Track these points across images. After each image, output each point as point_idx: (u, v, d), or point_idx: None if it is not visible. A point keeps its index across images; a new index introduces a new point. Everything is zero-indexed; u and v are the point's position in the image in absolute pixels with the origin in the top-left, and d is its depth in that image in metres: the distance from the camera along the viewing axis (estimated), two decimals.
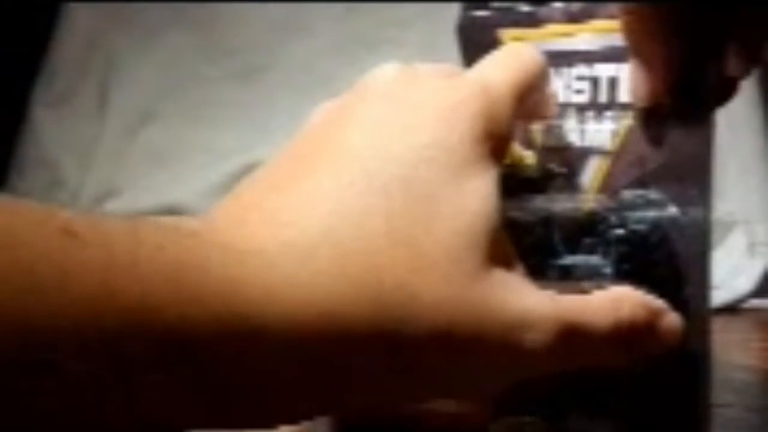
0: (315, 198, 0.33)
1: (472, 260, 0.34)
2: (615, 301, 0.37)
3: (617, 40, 0.41)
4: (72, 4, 1.30)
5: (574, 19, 0.43)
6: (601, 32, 0.43)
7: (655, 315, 0.38)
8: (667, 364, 0.39)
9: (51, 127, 1.25)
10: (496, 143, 0.36)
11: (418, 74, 0.37)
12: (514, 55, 0.39)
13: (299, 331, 0.31)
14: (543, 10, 0.43)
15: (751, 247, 1.10)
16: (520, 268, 0.36)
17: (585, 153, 0.43)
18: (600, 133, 0.42)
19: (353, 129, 0.35)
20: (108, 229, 0.29)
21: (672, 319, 0.38)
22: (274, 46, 1.22)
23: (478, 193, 0.35)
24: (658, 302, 0.38)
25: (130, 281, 0.28)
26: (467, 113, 0.35)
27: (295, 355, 0.31)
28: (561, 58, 0.43)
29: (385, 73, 0.37)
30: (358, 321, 0.32)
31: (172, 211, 1.16)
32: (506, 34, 0.44)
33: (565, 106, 0.43)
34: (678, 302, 0.39)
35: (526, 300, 0.35)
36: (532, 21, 0.43)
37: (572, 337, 0.36)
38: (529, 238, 0.42)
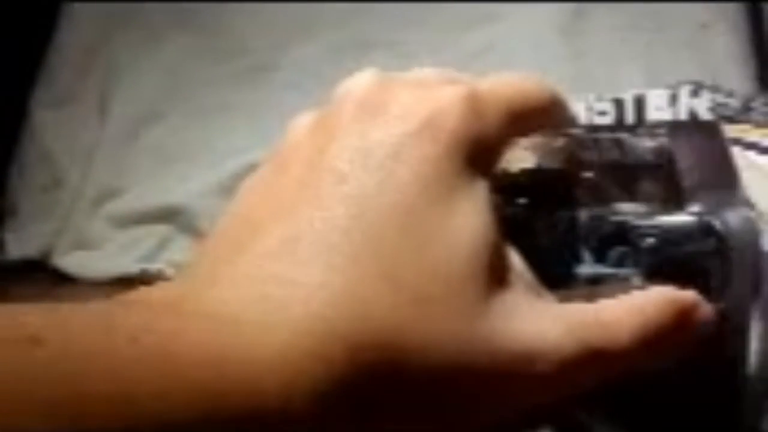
0: (298, 246, 0.31)
1: (473, 290, 0.31)
2: (639, 308, 0.35)
3: None
4: (72, 4, 1.30)
5: None
6: None
7: (685, 311, 0.35)
8: (704, 375, 0.39)
9: (51, 127, 1.25)
10: (481, 156, 0.33)
11: (394, 85, 0.34)
12: (516, 77, 0.36)
13: (301, 404, 0.29)
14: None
15: None
16: (524, 288, 0.34)
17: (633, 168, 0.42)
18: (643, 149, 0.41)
19: (329, 161, 0.32)
20: (78, 329, 0.28)
21: (704, 311, 0.36)
22: (278, 48, 1.22)
23: (467, 214, 0.32)
24: (687, 294, 0.36)
25: (105, 379, 0.27)
26: (446, 124, 0.33)
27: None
28: None
29: (359, 86, 0.34)
30: (354, 377, 0.29)
31: (172, 211, 1.16)
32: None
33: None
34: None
35: (535, 326, 0.33)
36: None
37: (593, 357, 0.33)
38: (554, 247, 0.41)
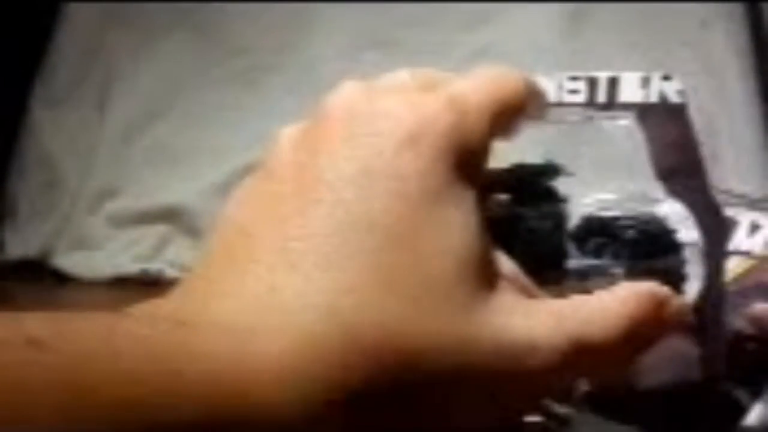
0: (292, 256, 0.31)
1: (462, 294, 0.32)
2: (622, 301, 0.36)
3: None
4: (72, 4, 1.30)
5: None
6: None
7: (661, 304, 0.36)
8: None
9: (51, 127, 1.25)
10: (468, 161, 0.34)
11: (378, 96, 0.34)
12: (492, 73, 0.37)
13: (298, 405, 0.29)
14: None
15: None
16: (513, 288, 0.34)
17: None
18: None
19: (318, 174, 0.33)
20: (79, 335, 0.28)
21: (678, 304, 0.37)
22: (277, 48, 1.22)
23: (457, 223, 0.33)
24: (662, 289, 0.37)
25: (105, 384, 0.27)
26: (432, 134, 0.33)
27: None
28: None
29: (344, 99, 0.35)
30: (352, 383, 0.30)
31: (172, 211, 1.16)
32: None
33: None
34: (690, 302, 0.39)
35: (526, 323, 0.34)
36: None
37: (581, 351, 0.34)
38: (537, 241, 0.42)
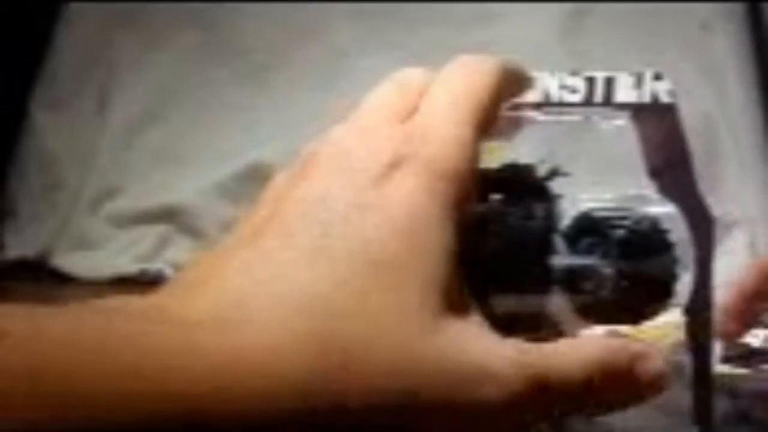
0: (259, 267, 0.33)
1: (423, 317, 0.33)
2: (592, 346, 0.36)
3: None
4: (72, 5, 1.30)
5: None
6: None
7: (634, 359, 0.36)
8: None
9: (51, 127, 1.25)
10: (450, 187, 0.35)
11: (362, 132, 0.36)
12: (466, 75, 0.38)
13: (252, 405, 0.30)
14: None
15: (752, 247, 1.10)
16: (479, 320, 0.35)
17: None
18: None
19: (299, 199, 0.35)
20: (45, 325, 0.29)
21: (652, 364, 0.37)
22: (281, 47, 1.22)
23: (429, 253, 0.34)
24: (636, 346, 0.37)
25: (66, 377, 0.28)
26: (409, 167, 0.35)
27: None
28: None
29: (330, 141, 0.36)
30: (307, 395, 0.31)
31: (171, 211, 1.16)
32: None
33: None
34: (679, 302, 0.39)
35: (483, 351, 0.34)
36: None
37: (539, 390, 0.34)
38: (527, 240, 0.42)
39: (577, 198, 0.42)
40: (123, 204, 1.18)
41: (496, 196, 0.40)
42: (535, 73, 0.44)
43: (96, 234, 1.18)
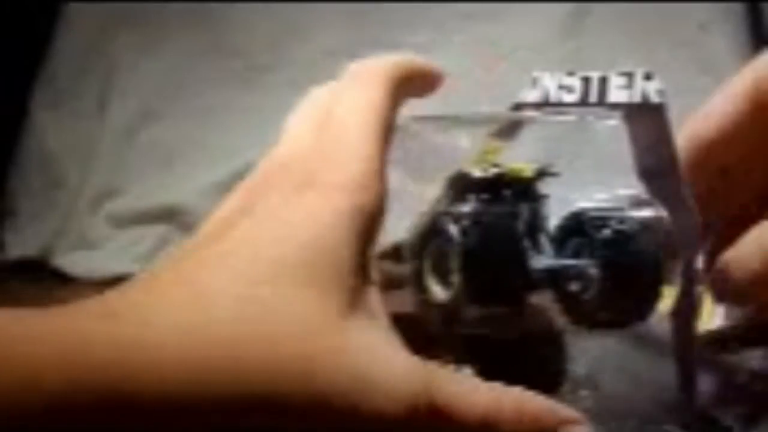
0: (191, 274, 0.35)
1: (325, 317, 0.34)
2: (489, 388, 0.36)
3: None
4: (72, 5, 1.30)
5: None
6: None
7: (558, 424, 0.36)
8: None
9: (51, 127, 1.25)
10: (357, 201, 0.37)
11: (283, 151, 0.42)
12: (362, 88, 0.42)
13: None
14: None
15: None
16: (384, 325, 0.36)
17: None
18: None
19: (231, 216, 0.39)
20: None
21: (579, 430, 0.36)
22: (277, 48, 1.22)
23: (333, 261, 0.36)
24: (564, 412, 0.37)
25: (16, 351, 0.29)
26: (317, 186, 0.38)
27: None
28: None
29: (267, 160, 0.42)
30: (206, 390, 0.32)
31: (171, 211, 1.16)
32: None
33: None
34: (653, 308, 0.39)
35: (382, 359, 0.34)
36: None
37: (429, 412, 0.34)
38: (514, 242, 0.42)
39: (569, 198, 0.42)
40: (123, 204, 1.18)
41: (482, 197, 0.41)
42: (535, 73, 0.44)
43: (96, 234, 1.18)
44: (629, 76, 0.42)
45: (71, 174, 1.22)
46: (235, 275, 0.34)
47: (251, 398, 0.32)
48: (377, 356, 0.34)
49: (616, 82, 0.42)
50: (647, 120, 0.42)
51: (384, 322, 0.36)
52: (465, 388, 0.35)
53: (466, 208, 0.40)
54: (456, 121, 0.51)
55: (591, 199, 0.42)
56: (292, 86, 1.22)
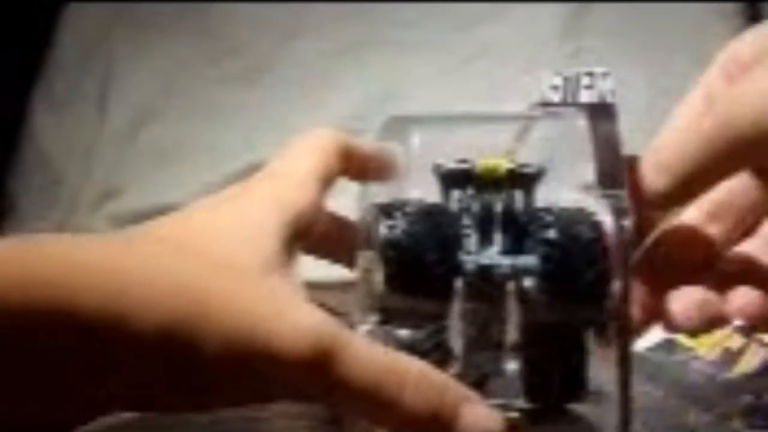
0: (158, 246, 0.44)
1: (252, 274, 0.40)
2: (401, 367, 0.38)
3: None
4: (72, 4, 1.30)
5: None
6: None
7: (455, 402, 0.38)
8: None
9: (51, 127, 1.25)
10: (291, 208, 0.43)
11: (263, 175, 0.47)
12: (314, 144, 0.46)
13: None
14: None
15: None
16: (297, 286, 0.40)
17: None
18: None
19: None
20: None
21: (478, 413, 0.38)
22: (276, 47, 1.22)
23: (260, 239, 0.42)
24: (466, 390, 0.39)
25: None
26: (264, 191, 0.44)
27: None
28: None
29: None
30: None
31: (171, 211, 1.16)
32: None
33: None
34: (600, 309, 0.39)
35: (291, 308, 0.38)
36: None
37: (324, 367, 0.37)
38: (438, 234, 0.42)
39: (549, 198, 0.42)
40: (122, 204, 1.18)
41: (455, 191, 0.41)
42: (535, 73, 0.44)
43: (96, 234, 1.18)
44: (591, 76, 0.43)
45: (70, 174, 1.22)
46: (193, 247, 0.42)
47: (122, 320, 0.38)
48: (290, 300, 0.39)
49: (583, 82, 0.43)
50: (601, 120, 0.43)
51: (300, 288, 0.40)
52: (367, 346, 0.37)
53: (404, 201, 0.42)
54: (456, 121, 0.51)
55: (563, 199, 0.43)
56: (292, 86, 1.23)
